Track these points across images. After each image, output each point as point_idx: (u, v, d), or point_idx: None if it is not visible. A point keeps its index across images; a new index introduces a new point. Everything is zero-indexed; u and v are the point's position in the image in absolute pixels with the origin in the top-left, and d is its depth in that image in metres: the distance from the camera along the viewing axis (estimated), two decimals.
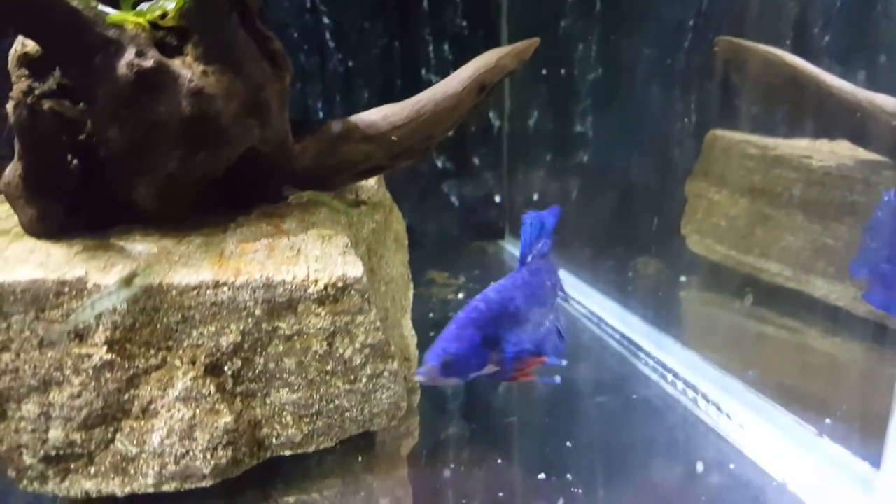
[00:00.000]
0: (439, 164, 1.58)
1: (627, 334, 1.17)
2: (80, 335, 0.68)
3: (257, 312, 0.72)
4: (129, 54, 0.74)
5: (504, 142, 1.68)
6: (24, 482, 0.69)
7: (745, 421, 0.91)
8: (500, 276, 1.62)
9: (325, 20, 1.48)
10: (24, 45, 0.82)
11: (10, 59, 0.85)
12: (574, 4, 1.55)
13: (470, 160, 1.65)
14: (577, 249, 1.55)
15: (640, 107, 1.49)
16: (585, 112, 1.61)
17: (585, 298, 1.38)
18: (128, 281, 0.65)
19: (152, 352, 0.70)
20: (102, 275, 0.69)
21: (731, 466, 0.83)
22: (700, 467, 0.82)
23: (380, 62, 1.55)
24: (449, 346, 0.70)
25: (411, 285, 1.11)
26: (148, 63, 0.75)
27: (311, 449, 0.77)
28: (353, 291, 0.75)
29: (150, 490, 0.71)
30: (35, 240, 0.76)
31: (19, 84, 0.83)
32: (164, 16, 0.80)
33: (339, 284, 0.74)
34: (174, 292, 0.70)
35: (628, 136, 1.53)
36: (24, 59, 0.82)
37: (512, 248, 1.67)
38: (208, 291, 0.71)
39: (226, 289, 0.71)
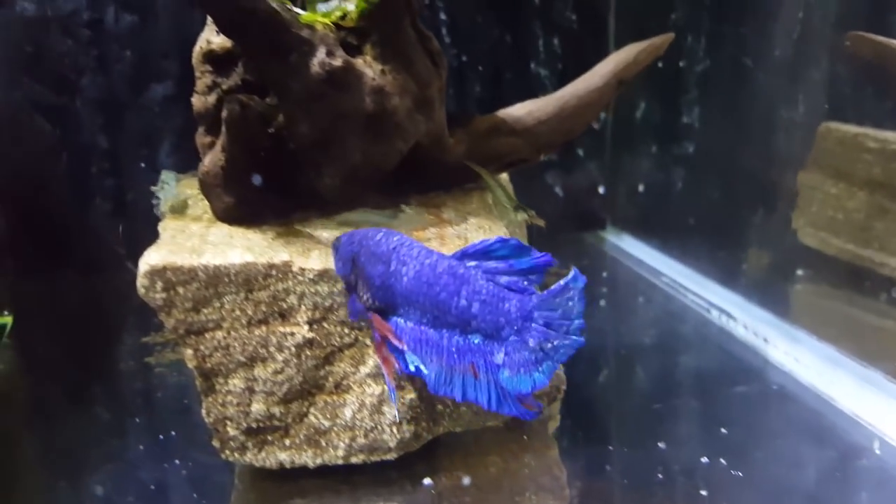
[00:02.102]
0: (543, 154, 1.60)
1: (754, 326, 1.18)
2: (284, 314, 0.74)
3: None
4: (321, 53, 0.80)
5: (609, 133, 1.69)
6: (226, 452, 0.75)
7: (888, 410, 0.93)
8: (603, 267, 1.64)
9: (442, 16, 1.52)
10: (208, 42, 0.89)
11: (194, 55, 0.91)
12: None
13: (574, 151, 1.67)
14: (685, 239, 1.56)
15: (749, 98, 1.49)
16: (692, 103, 1.61)
17: (700, 288, 1.39)
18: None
19: (346, 330, 0.76)
20: (304, 259, 0.75)
21: (876, 446, 0.86)
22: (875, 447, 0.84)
23: (491, 55, 1.58)
24: (343, 236, 0.75)
25: None
26: (337, 62, 0.80)
27: (479, 426, 0.82)
28: None
29: (339, 462, 0.77)
30: (228, 226, 0.83)
31: (203, 79, 0.90)
32: (344, 17, 0.85)
33: None
34: None
35: (736, 127, 1.52)
36: (209, 56, 0.89)
37: (614, 239, 1.68)
38: None
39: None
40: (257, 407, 0.74)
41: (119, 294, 1.44)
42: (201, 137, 0.90)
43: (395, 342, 0.69)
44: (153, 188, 0.91)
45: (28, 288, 1.34)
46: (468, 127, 0.98)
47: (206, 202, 0.87)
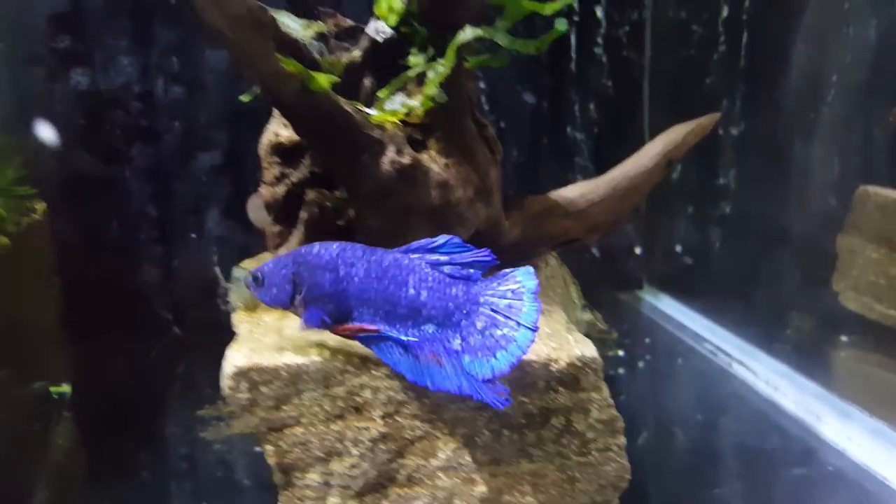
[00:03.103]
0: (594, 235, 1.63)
1: (803, 400, 1.18)
2: (359, 409, 0.76)
3: (508, 388, 0.79)
4: (391, 152, 0.83)
5: None
6: None
7: None
8: (641, 327, 1.65)
9: (482, 85, 1.56)
10: (276, 135, 0.93)
11: (262, 146, 0.95)
12: (718, 62, 1.59)
13: None
14: (724, 301, 1.57)
15: (785, 161, 1.51)
16: (728, 165, 1.63)
17: (743, 354, 1.40)
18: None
19: (418, 423, 0.77)
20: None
21: None
22: None
23: (528, 121, 1.62)
24: (264, 266, 0.76)
25: None
26: (406, 160, 0.83)
27: None
28: (589, 371, 0.80)
29: None
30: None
31: (271, 170, 0.93)
32: (408, 113, 0.88)
33: (578, 364, 0.80)
34: None
35: (772, 189, 1.55)
36: (277, 148, 0.93)
37: (651, 299, 1.70)
38: None
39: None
40: (333, 500, 0.76)
41: (168, 361, 1.46)
42: (270, 226, 0.93)
43: (370, 328, 0.72)
44: (226, 285, 0.94)
45: (83, 357, 1.37)
46: (522, 209, 1.01)
47: None
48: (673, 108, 1.70)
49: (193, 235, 1.53)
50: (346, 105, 0.81)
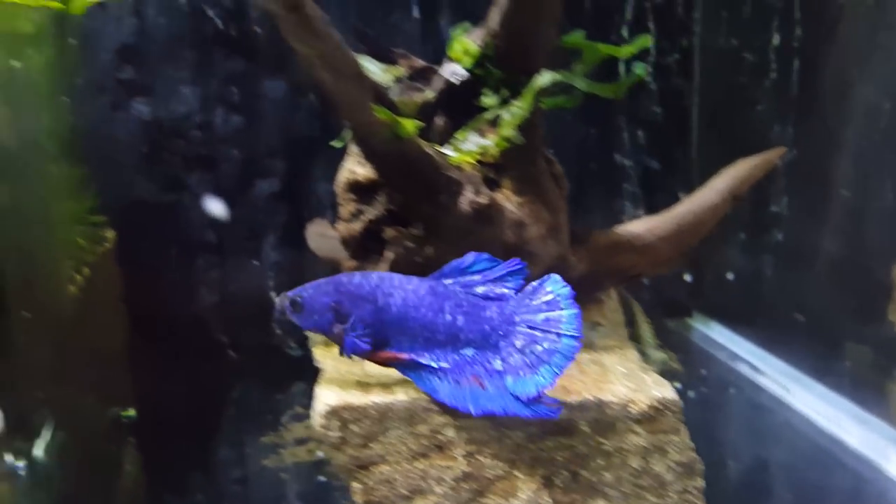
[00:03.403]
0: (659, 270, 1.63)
1: (869, 439, 1.16)
2: (442, 447, 0.78)
3: (586, 430, 0.79)
4: (469, 192, 0.85)
5: None
6: None
7: None
8: (690, 355, 1.64)
9: None
10: (353, 173, 0.95)
11: (338, 184, 0.98)
12: (769, 89, 1.59)
13: None
14: (777, 329, 1.55)
15: (837, 188, 1.50)
16: (780, 192, 1.62)
17: (794, 383, 1.38)
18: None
19: (499, 463, 0.78)
20: None
21: None
22: None
23: (577, 149, 1.63)
24: (303, 290, 0.76)
25: None
26: (483, 200, 0.85)
27: None
28: (668, 413, 0.81)
29: None
30: None
31: (347, 206, 0.96)
32: (482, 153, 0.90)
33: (658, 406, 0.80)
34: None
35: (824, 217, 1.54)
36: (354, 186, 0.95)
37: (701, 328, 1.69)
38: None
39: (563, 408, 0.79)
40: None
41: (225, 385, 1.49)
42: (347, 261, 0.95)
43: (403, 356, 0.74)
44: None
45: (145, 381, 1.40)
46: (588, 243, 1.02)
47: None
48: (722, 135, 1.70)
49: (250, 261, 1.56)
50: (428, 148, 0.83)
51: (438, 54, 1.01)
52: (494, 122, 0.90)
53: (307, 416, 1.34)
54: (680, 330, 1.71)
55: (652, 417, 0.80)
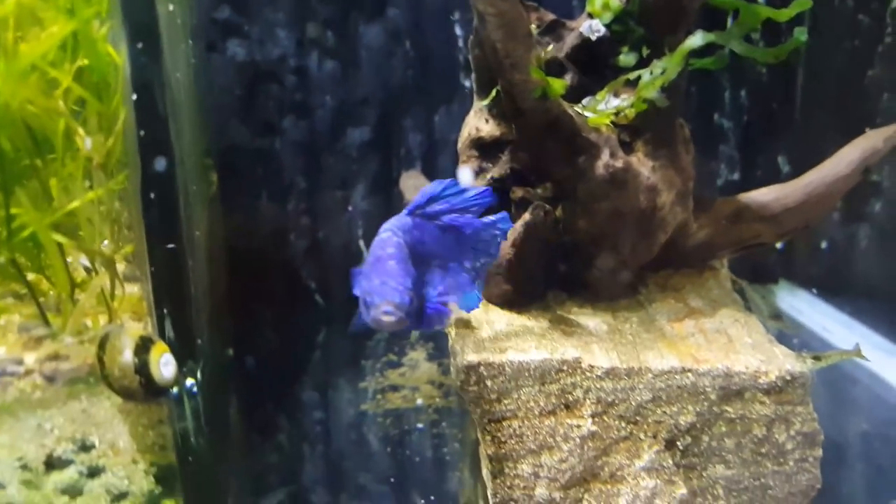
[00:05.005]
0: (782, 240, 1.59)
1: None
2: (570, 406, 0.79)
3: (712, 397, 0.80)
4: (605, 155, 0.84)
5: None
6: None
7: None
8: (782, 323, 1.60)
9: None
10: (478, 129, 0.94)
11: (461, 140, 0.97)
12: (883, 54, 1.51)
13: None
14: (865, 299, 1.52)
15: None
16: (882, 161, 1.56)
17: (886, 354, 1.35)
18: (816, 359, 0.76)
19: (624, 424, 0.80)
20: (591, 356, 0.80)
21: None
22: None
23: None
24: (406, 281, 0.68)
25: None
26: (619, 164, 0.84)
27: None
28: (797, 385, 0.80)
29: None
30: (500, 310, 0.89)
31: (469, 164, 0.95)
32: (617, 114, 0.88)
33: (787, 378, 0.80)
34: (650, 375, 0.79)
35: None
36: (477, 143, 0.94)
37: (787, 295, 1.66)
38: (676, 376, 0.79)
39: (690, 375, 0.79)
40: (540, 491, 0.79)
41: (312, 330, 1.53)
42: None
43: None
44: None
45: (240, 325, 1.45)
46: (710, 211, 1.00)
47: None
48: (828, 99, 1.63)
49: (340, 209, 1.58)
50: (570, 108, 0.82)
51: (567, 8, 0.99)
52: (630, 83, 0.88)
53: (400, 364, 1.38)
54: (765, 296, 1.69)
55: (780, 389, 0.80)
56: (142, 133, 1.00)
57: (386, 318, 0.65)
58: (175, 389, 0.82)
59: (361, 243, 1.60)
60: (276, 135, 1.56)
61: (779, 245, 1.70)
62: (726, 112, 1.61)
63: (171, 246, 0.94)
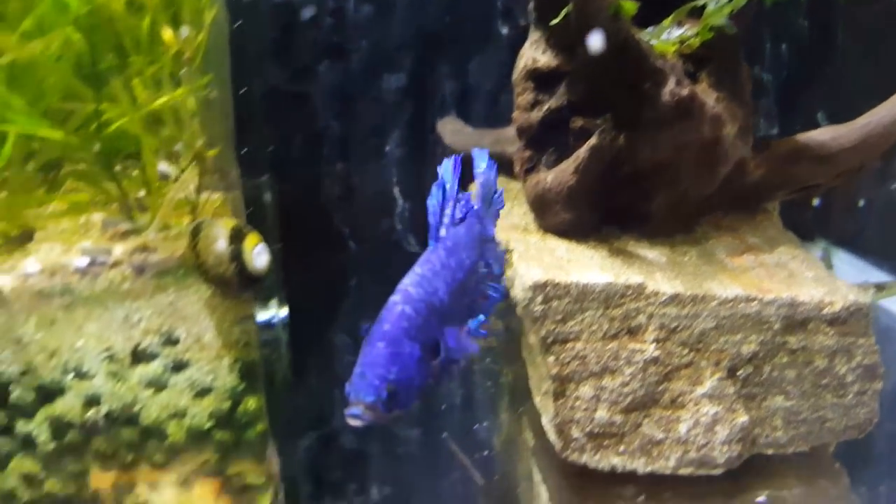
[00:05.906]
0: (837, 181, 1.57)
1: None
2: (633, 331, 0.79)
3: (776, 326, 0.80)
4: (671, 83, 0.82)
5: None
6: (567, 452, 0.81)
7: None
8: None
9: None
10: (534, 60, 0.93)
11: (517, 71, 0.96)
12: None
13: None
14: None
15: None
16: None
17: None
18: (880, 289, 0.75)
19: (685, 351, 0.80)
20: (654, 282, 0.79)
21: None
22: None
23: None
24: (387, 372, 0.56)
25: None
26: (684, 92, 0.83)
27: (790, 451, 0.85)
28: (861, 316, 0.80)
29: (669, 472, 0.81)
30: (558, 238, 0.88)
31: (525, 95, 0.94)
32: (681, 43, 0.87)
33: (852, 309, 0.80)
34: (714, 302, 0.79)
35: None
36: (533, 74, 0.93)
37: (819, 252, 1.66)
38: (741, 304, 0.79)
39: (756, 303, 0.79)
40: (601, 414, 0.80)
41: (343, 274, 1.54)
42: (521, 152, 0.95)
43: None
44: None
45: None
46: (766, 150, 0.99)
47: (519, 208, 0.94)
48: (868, 56, 1.61)
49: (374, 155, 1.57)
50: (637, 34, 0.81)
51: None
52: (694, 13, 0.86)
53: None
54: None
55: (844, 320, 0.80)
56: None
57: (353, 423, 0.56)
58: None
59: (396, 190, 1.60)
60: (310, 78, 1.55)
61: (815, 202, 1.70)
62: (766, 65, 1.59)
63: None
